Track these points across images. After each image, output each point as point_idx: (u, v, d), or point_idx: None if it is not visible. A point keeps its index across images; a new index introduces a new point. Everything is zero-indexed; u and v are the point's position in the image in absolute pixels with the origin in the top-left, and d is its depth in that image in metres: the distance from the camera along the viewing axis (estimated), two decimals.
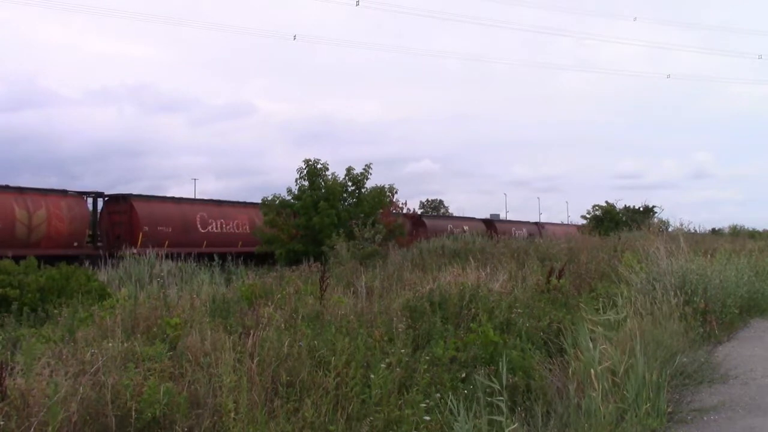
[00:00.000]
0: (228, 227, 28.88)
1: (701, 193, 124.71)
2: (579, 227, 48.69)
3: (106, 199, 25.84)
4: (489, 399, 4.79)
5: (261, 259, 23.21)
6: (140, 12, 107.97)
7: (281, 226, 21.72)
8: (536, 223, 49.55)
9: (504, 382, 4.64)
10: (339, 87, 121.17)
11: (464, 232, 29.01)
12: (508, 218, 57.43)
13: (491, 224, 41.84)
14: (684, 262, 9.82)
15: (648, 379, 5.25)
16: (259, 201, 24.90)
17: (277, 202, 22.27)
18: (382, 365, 5.01)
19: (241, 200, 31.54)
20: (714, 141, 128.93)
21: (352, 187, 22.77)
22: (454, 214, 54.24)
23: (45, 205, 22.20)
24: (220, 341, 5.21)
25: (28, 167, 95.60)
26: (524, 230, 42.09)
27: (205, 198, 31.89)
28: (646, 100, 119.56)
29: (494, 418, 4.41)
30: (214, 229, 28.19)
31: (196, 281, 9.94)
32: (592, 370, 5.06)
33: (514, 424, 4.38)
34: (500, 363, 5.59)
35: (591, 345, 5.52)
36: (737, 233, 31.97)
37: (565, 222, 59.48)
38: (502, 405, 4.45)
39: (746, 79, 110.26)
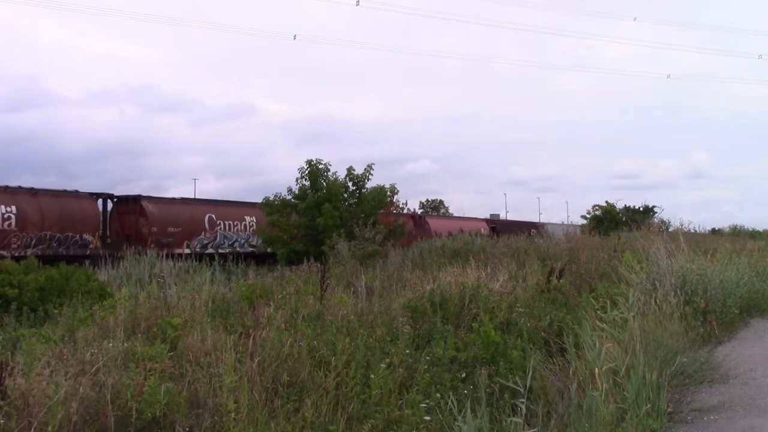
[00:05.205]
0: None
1: (700, 193, 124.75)
2: (488, 221, 46.75)
3: None
4: (491, 400, 4.79)
5: (261, 259, 23.20)
6: (141, 12, 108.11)
7: (283, 226, 21.73)
8: (413, 215, 38.88)
9: (528, 383, 4.62)
10: (339, 87, 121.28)
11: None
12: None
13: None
14: (684, 262, 9.81)
15: (648, 379, 5.24)
16: None
17: (278, 202, 22.27)
18: (383, 365, 5.01)
19: None
20: (713, 141, 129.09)
21: (353, 188, 22.77)
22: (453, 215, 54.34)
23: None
24: (220, 341, 5.21)
25: (27, 167, 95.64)
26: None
27: None
28: (646, 100, 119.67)
29: (511, 419, 4.40)
30: None
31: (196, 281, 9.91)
32: (592, 370, 5.05)
33: (534, 429, 4.37)
34: (500, 363, 5.61)
35: (592, 344, 5.51)
36: (737, 233, 31.94)
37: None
38: (522, 407, 4.44)
39: (746, 79, 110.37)
